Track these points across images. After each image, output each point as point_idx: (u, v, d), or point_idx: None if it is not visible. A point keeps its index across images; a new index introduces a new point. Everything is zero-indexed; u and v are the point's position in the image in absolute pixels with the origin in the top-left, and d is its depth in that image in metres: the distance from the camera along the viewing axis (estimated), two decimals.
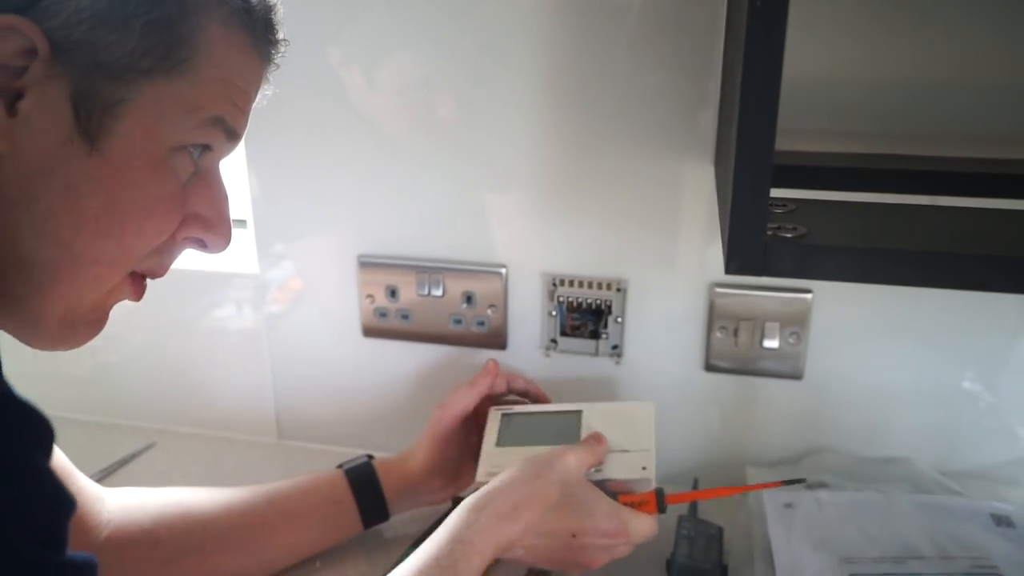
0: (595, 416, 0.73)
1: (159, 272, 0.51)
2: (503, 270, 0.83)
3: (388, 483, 0.76)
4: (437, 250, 0.84)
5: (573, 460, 0.66)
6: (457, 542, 0.59)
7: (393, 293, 0.86)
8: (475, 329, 0.85)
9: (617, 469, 0.68)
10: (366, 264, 0.86)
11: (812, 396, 0.80)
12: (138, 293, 0.51)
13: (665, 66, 0.74)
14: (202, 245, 0.52)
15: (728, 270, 0.46)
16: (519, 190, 0.81)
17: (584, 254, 0.81)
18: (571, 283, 0.82)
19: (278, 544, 0.73)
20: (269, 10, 0.50)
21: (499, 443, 0.73)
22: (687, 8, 0.72)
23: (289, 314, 0.91)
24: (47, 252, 0.45)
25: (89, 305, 0.48)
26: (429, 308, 0.86)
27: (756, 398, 0.82)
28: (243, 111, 0.50)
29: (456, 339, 0.86)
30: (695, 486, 0.80)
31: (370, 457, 0.78)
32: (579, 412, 0.74)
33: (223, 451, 0.94)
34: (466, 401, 0.76)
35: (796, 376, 0.80)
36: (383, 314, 0.87)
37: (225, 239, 0.52)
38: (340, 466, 0.77)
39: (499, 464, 0.69)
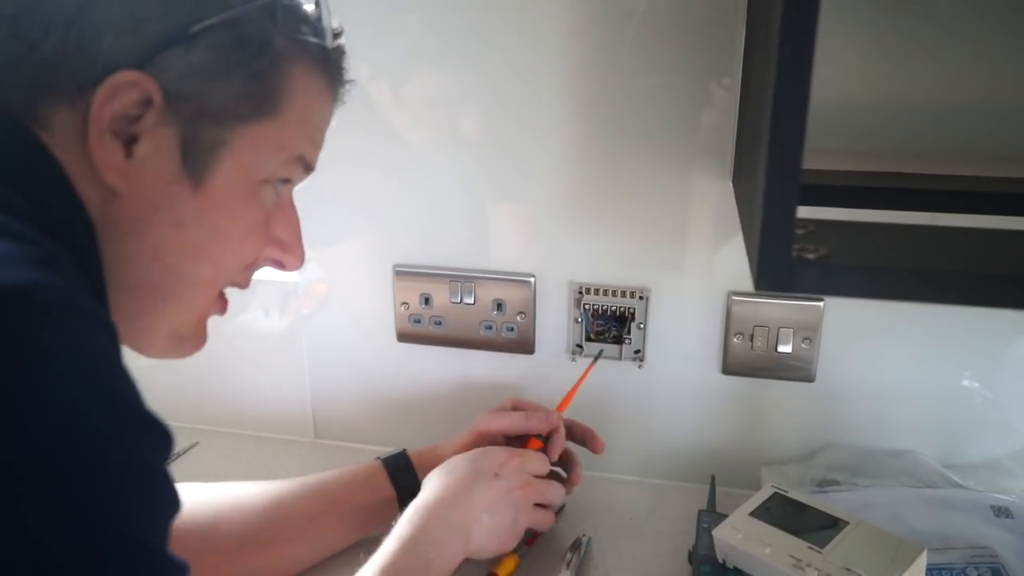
0: (859, 533, 0.71)
1: (244, 287, 0.57)
2: (532, 279, 0.88)
3: (423, 471, 0.80)
4: (469, 260, 0.89)
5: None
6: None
7: (427, 300, 0.91)
8: (505, 335, 0.90)
9: None
10: (401, 273, 0.91)
11: (823, 397, 0.85)
12: (224, 308, 0.57)
13: (686, 87, 0.79)
14: (280, 265, 0.57)
15: (758, 287, 0.50)
16: (547, 203, 0.86)
17: (608, 264, 0.86)
18: (596, 291, 0.87)
19: (326, 532, 0.77)
20: (341, 57, 0.55)
21: (753, 514, 0.74)
22: (708, 34, 0.76)
23: (326, 320, 0.95)
24: (156, 276, 0.50)
25: (193, 322, 0.54)
26: (461, 315, 0.90)
27: (770, 399, 0.87)
28: (319, 147, 0.55)
29: (486, 344, 0.91)
30: (712, 483, 0.85)
31: (405, 451, 0.83)
32: (846, 523, 0.72)
33: (262, 449, 0.99)
34: (516, 427, 0.80)
35: (808, 378, 0.85)
36: (417, 320, 0.92)
37: (301, 259, 0.57)
38: (377, 458, 0.82)
39: (741, 531, 0.72)
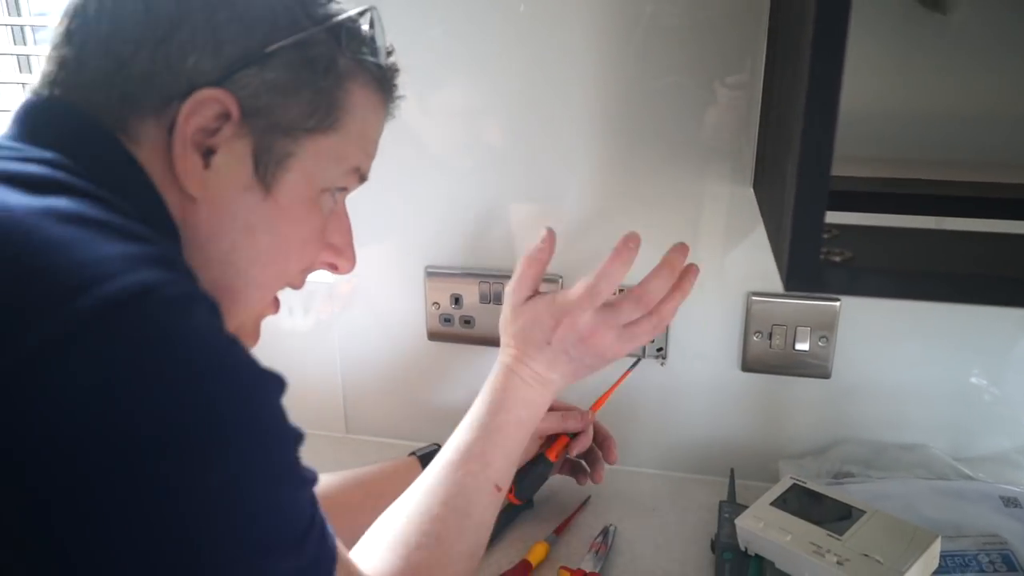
0: (875, 522, 0.74)
1: (298, 288, 0.60)
2: (559, 280, 0.92)
3: None
4: (498, 261, 0.93)
5: (507, 303, 0.77)
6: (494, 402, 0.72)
7: (457, 300, 0.95)
8: None
9: (855, 569, 0.69)
10: (432, 274, 0.95)
11: (838, 393, 0.89)
12: (277, 308, 0.61)
13: (707, 96, 0.83)
14: (334, 268, 0.61)
15: (788, 287, 0.54)
16: (573, 207, 0.90)
17: (633, 266, 0.90)
18: (621, 291, 0.90)
19: (365, 523, 0.81)
20: (395, 74, 0.59)
21: (774, 503, 0.78)
22: (729, 47, 0.80)
23: (360, 318, 0.99)
24: (227, 279, 0.53)
25: (252, 321, 0.58)
26: (490, 314, 0.94)
27: (787, 395, 0.91)
28: (372, 158, 0.59)
29: None
30: (732, 476, 0.89)
31: (438, 445, 0.86)
32: (863, 512, 0.75)
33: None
34: (553, 428, 0.83)
35: (824, 375, 0.88)
36: (447, 319, 0.96)
37: (352, 263, 0.61)
38: (412, 453, 0.85)
39: (763, 519, 0.75)
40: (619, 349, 0.74)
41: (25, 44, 1.20)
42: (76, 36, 0.50)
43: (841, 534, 0.73)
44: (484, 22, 0.85)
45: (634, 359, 0.89)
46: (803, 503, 0.78)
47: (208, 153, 0.51)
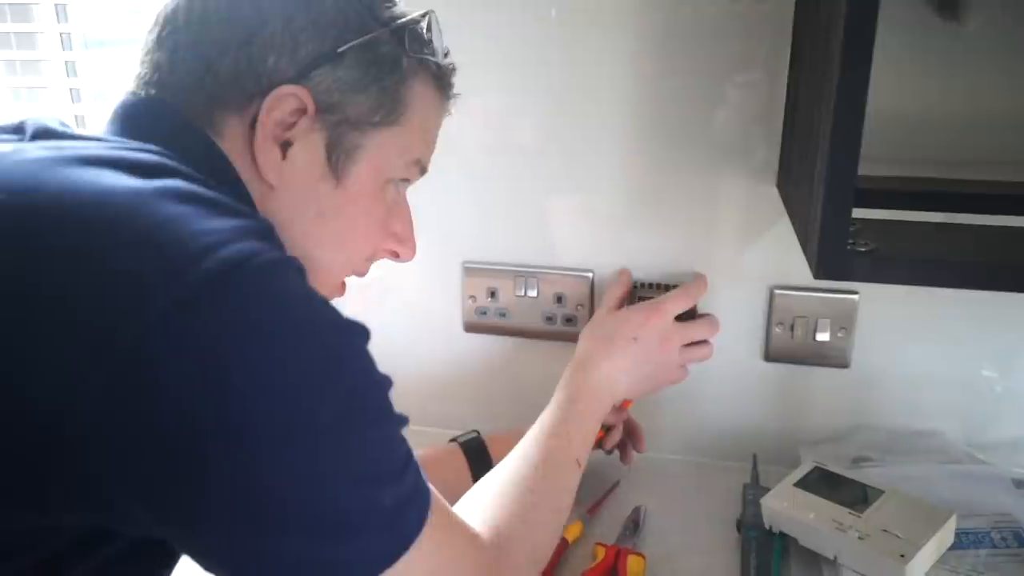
0: (893, 500, 0.78)
1: (364, 274, 0.65)
2: (590, 274, 0.97)
3: (496, 454, 0.88)
4: (533, 257, 0.98)
5: (599, 312, 0.88)
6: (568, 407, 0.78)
7: (493, 294, 0.99)
8: (565, 326, 0.98)
9: (876, 544, 0.73)
10: (470, 268, 1.00)
11: (857, 382, 0.93)
12: (343, 293, 0.65)
13: (735, 98, 0.87)
14: (396, 256, 0.66)
15: (817, 276, 0.59)
16: (605, 204, 0.94)
17: (661, 260, 0.95)
18: (649, 285, 0.95)
19: None
20: (452, 72, 0.64)
21: (797, 485, 0.82)
22: (754, 51, 0.85)
23: (399, 309, 1.04)
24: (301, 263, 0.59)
25: None
26: (525, 307, 0.99)
27: (808, 384, 0.95)
28: (431, 151, 0.64)
29: (548, 335, 0.99)
30: (754, 461, 0.93)
31: (477, 432, 0.91)
32: (881, 492, 0.79)
33: None
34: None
35: (843, 365, 0.93)
36: (483, 312, 1.00)
37: (413, 251, 0.66)
38: (453, 439, 0.90)
39: (787, 499, 0.80)
40: (678, 362, 0.86)
41: (72, 50, 1.25)
42: (168, 41, 0.56)
43: (861, 512, 0.77)
44: (519, 26, 0.90)
45: None
46: (825, 484, 0.82)
47: (285, 145, 0.56)
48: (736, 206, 0.91)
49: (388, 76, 0.58)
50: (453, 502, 0.86)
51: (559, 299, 0.98)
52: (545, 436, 0.75)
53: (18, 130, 0.53)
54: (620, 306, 0.89)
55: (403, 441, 0.51)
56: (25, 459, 0.42)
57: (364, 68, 0.57)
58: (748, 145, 0.89)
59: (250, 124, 0.55)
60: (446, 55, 0.64)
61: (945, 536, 0.75)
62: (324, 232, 0.59)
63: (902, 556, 0.71)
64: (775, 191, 0.88)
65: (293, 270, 0.46)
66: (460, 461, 0.88)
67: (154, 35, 0.56)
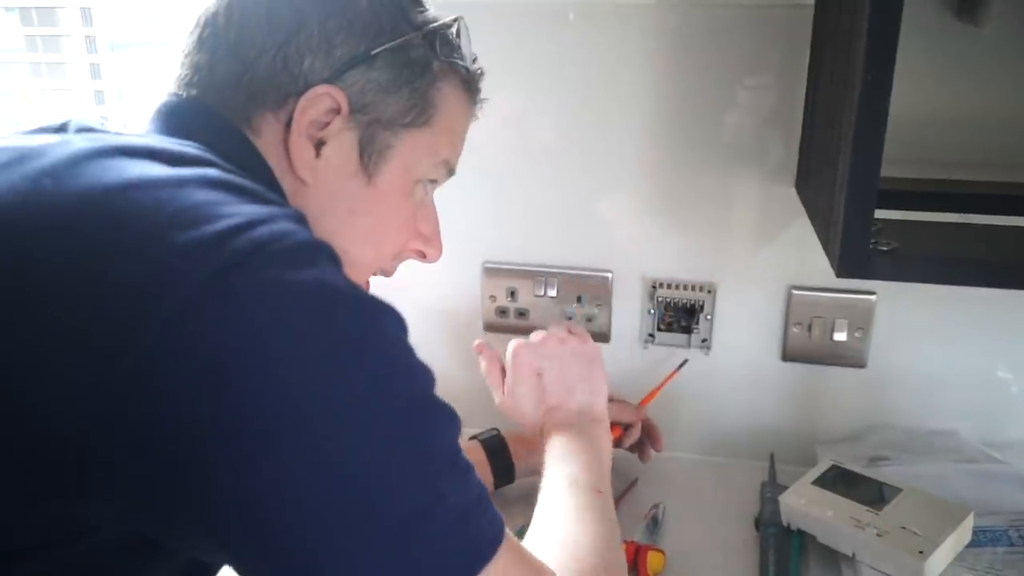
0: (911, 498, 0.79)
1: (390, 274, 0.67)
2: (609, 274, 0.98)
3: (516, 451, 0.90)
4: (552, 258, 0.99)
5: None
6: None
7: (512, 294, 1.01)
8: (583, 325, 1.00)
9: (894, 540, 0.74)
10: (490, 269, 1.01)
11: (874, 382, 0.94)
12: (367, 289, 0.67)
13: (751, 101, 0.89)
14: (422, 256, 0.67)
15: (839, 275, 0.60)
16: (624, 206, 0.96)
17: (679, 261, 0.96)
18: (667, 286, 0.96)
19: None
20: (480, 77, 0.65)
21: (815, 483, 0.83)
22: (773, 55, 0.87)
23: (421, 308, 1.05)
24: None
25: None
26: (544, 307, 1.00)
27: (826, 384, 0.96)
28: (459, 154, 0.66)
29: None
30: (772, 461, 0.94)
31: (497, 430, 0.92)
32: (899, 490, 0.80)
33: None
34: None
35: (860, 365, 0.94)
36: (503, 312, 1.02)
37: (439, 251, 0.68)
38: (473, 437, 0.91)
39: (805, 496, 0.81)
40: (581, 352, 0.84)
41: (97, 53, 1.27)
42: (208, 43, 0.57)
43: (879, 509, 0.78)
44: (537, 30, 0.92)
45: (681, 361, 0.96)
46: (842, 482, 0.83)
47: (319, 144, 0.57)
48: (753, 207, 0.92)
49: (419, 79, 0.59)
50: None
51: (578, 299, 0.99)
52: (565, 487, 0.70)
53: (61, 129, 0.54)
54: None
55: (455, 436, 0.49)
56: (35, 457, 0.42)
57: (396, 70, 0.58)
58: (765, 146, 0.90)
59: (286, 123, 0.56)
60: (474, 60, 0.65)
61: (963, 534, 0.76)
62: (354, 228, 0.60)
63: (920, 552, 0.72)
64: (792, 192, 0.89)
65: (325, 254, 0.47)
66: (480, 457, 0.89)
67: (194, 36, 0.58)
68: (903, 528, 0.75)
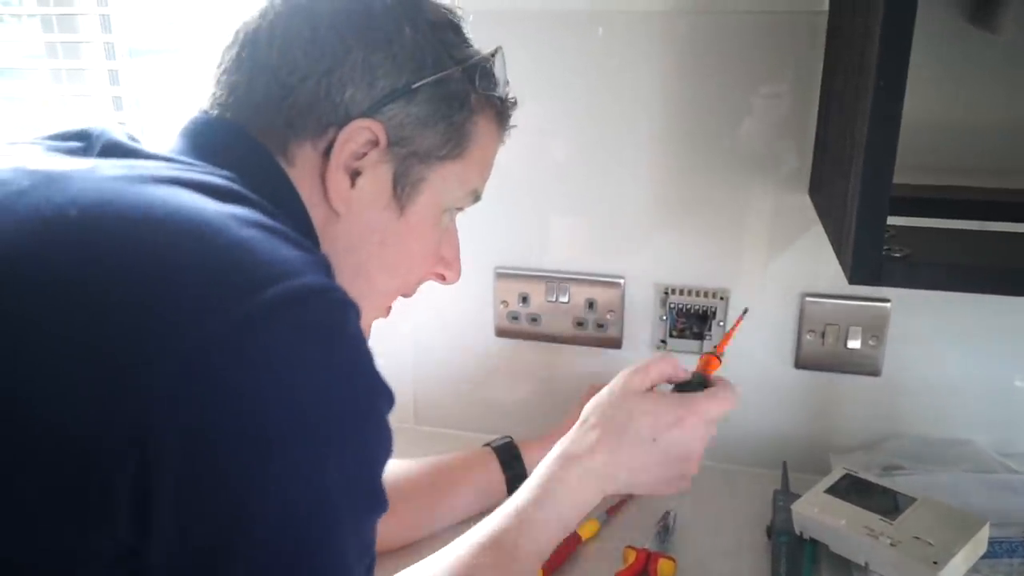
0: (925, 508, 0.78)
1: (409, 296, 0.67)
2: (621, 280, 0.98)
3: (529, 459, 0.89)
4: (565, 263, 0.99)
5: (620, 385, 0.73)
6: (545, 495, 0.69)
7: (524, 299, 1.01)
8: (595, 331, 1.00)
9: (908, 550, 0.73)
10: (502, 275, 1.01)
11: (888, 390, 0.93)
12: (388, 314, 0.67)
13: (764, 108, 0.88)
14: (442, 278, 0.68)
15: (852, 281, 0.60)
16: (637, 213, 0.96)
17: (691, 267, 0.96)
18: (680, 292, 0.96)
19: (442, 506, 0.87)
20: (513, 107, 0.65)
21: (828, 491, 0.82)
22: (786, 62, 0.86)
23: (432, 314, 1.05)
24: (357, 287, 0.59)
25: (368, 324, 0.65)
26: (556, 312, 1.00)
27: (839, 392, 0.95)
28: (487, 179, 0.66)
29: (578, 340, 1.01)
30: (784, 469, 0.93)
31: (510, 438, 0.92)
32: (913, 499, 0.79)
33: None
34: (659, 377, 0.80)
35: (875, 373, 0.93)
36: (515, 317, 1.02)
37: (459, 274, 0.69)
38: (486, 444, 0.91)
39: (818, 505, 0.80)
40: (694, 471, 0.73)
41: (115, 59, 1.28)
42: (246, 63, 0.56)
43: (893, 519, 0.77)
44: (550, 38, 0.92)
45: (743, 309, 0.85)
46: (855, 491, 0.82)
47: (354, 175, 0.57)
48: (766, 213, 0.92)
49: (457, 113, 0.59)
50: (487, 505, 0.87)
51: (590, 305, 0.99)
52: (488, 546, 0.66)
53: (82, 137, 0.53)
54: (649, 389, 0.74)
55: (375, 532, 0.49)
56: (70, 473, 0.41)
57: (435, 104, 0.58)
58: (778, 153, 0.90)
59: (322, 152, 0.56)
60: (507, 84, 0.65)
61: (978, 544, 0.75)
62: (383, 258, 0.60)
63: (935, 563, 0.71)
64: (805, 199, 0.88)
65: (355, 313, 0.47)
66: (494, 465, 0.89)
67: (232, 54, 0.57)
68: (917, 538, 0.75)
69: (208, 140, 0.56)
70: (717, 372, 0.79)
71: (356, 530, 0.47)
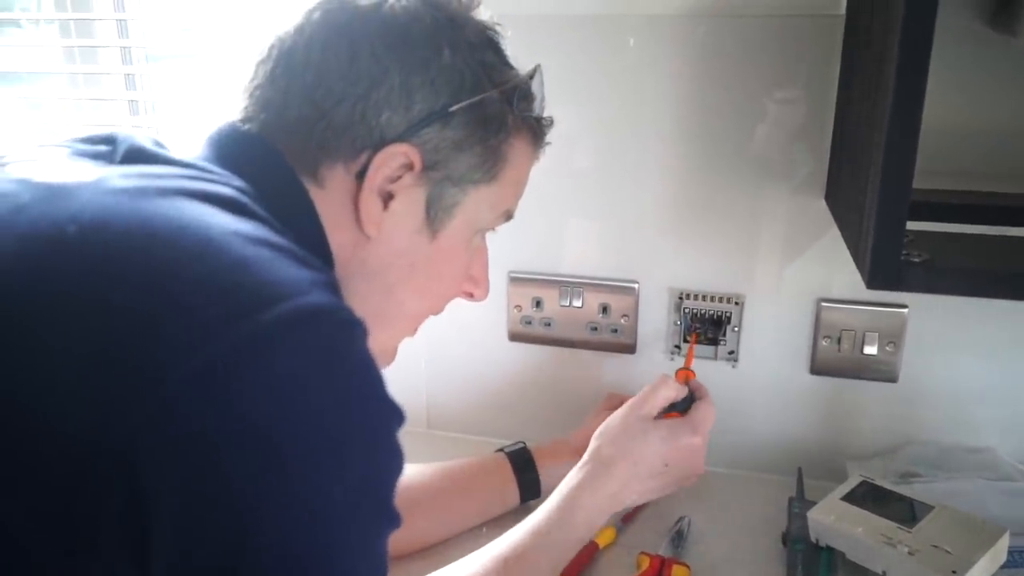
0: (944, 516, 0.77)
1: (439, 314, 0.67)
2: (636, 285, 0.98)
3: (542, 465, 0.89)
4: (579, 268, 0.99)
5: (634, 416, 0.80)
6: (563, 517, 0.74)
7: (538, 304, 1.01)
8: (609, 336, 0.99)
9: (926, 559, 0.72)
10: (516, 279, 1.01)
11: (906, 397, 0.92)
12: (415, 332, 0.67)
13: (779, 115, 0.88)
14: (471, 296, 0.68)
15: (869, 286, 0.59)
16: (651, 217, 0.95)
17: (706, 272, 0.95)
18: (694, 297, 0.96)
19: (455, 510, 0.86)
20: (550, 126, 0.64)
21: (844, 498, 0.81)
22: (802, 69, 0.86)
23: (444, 318, 1.04)
24: (387, 308, 0.60)
25: (395, 343, 0.65)
26: (569, 317, 1.00)
27: (855, 398, 0.94)
28: (519, 199, 0.65)
29: (592, 344, 1.00)
30: (800, 475, 0.92)
31: (523, 443, 0.91)
32: (931, 507, 0.78)
33: None
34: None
35: (892, 379, 0.92)
36: (528, 322, 1.02)
37: (487, 292, 0.68)
38: (500, 450, 0.91)
39: (834, 512, 0.79)
40: (700, 471, 0.84)
41: (132, 64, 1.29)
42: (281, 80, 0.55)
43: (911, 527, 0.76)
44: (566, 43, 0.92)
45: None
46: (872, 499, 0.81)
47: (387, 198, 0.56)
48: (782, 219, 0.91)
49: (494, 136, 0.58)
50: (500, 510, 0.87)
51: (604, 309, 0.99)
52: (512, 560, 0.70)
53: (108, 141, 0.53)
54: (656, 415, 0.81)
55: (387, 549, 0.48)
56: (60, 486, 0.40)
57: (472, 128, 0.57)
58: (794, 159, 0.89)
59: (355, 175, 0.55)
60: (542, 102, 0.64)
61: (998, 554, 0.74)
62: (413, 281, 0.60)
63: (954, 572, 0.70)
64: (821, 204, 0.88)
65: (360, 331, 0.46)
66: (507, 470, 0.88)
67: (267, 69, 0.56)
68: (935, 547, 0.74)
69: (230, 151, 0.55)
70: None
71: (366, 549, 0.46)
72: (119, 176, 0.48)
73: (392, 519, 0.48)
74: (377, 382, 0.46)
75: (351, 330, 0.45)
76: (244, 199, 0.50)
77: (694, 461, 0.81)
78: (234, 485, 0.40)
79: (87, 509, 0.40)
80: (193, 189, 0.48)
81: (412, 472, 0.86)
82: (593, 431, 0.82)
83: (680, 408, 0.83)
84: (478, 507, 0.87)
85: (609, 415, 0.83)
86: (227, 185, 0.50)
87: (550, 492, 0.79)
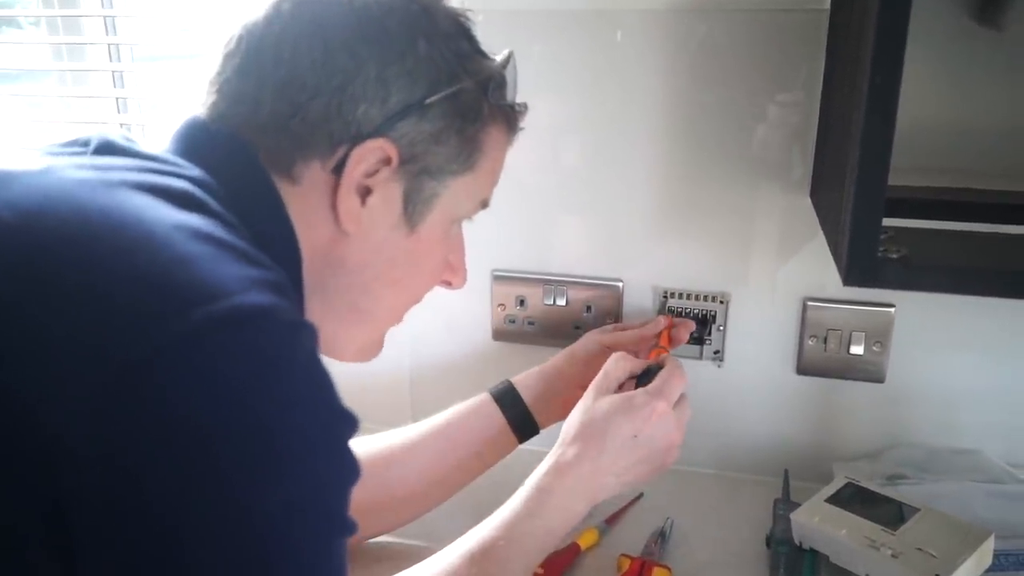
0: (929, 519, 0.76)
1: (418, 303, 0.66)
2: (620, 283, 0.96)
3: (526, 387, 0.84)
4: (562, 266, 0.98)
5: (591, 395, 0.73)
6: (531, 507, 0.67)
7: (522, 302, 1.00)
8: None
9: (910, 562, 0.71)
10: (499, 277, 1.00)
11: (892, 397, 0.91)
12: (399, 323, 0.66)
13: (765, 113, 0.87)
14: (448, 284, 0.67)
15: (846, 282, 0.58)
16: (635, 215, 0.94)
17: (691, 270, 0.94)
18: (679, 295, 0.95)
19: (440, 468, 0.82)
20: (524, 113, 0.64)
21: (829, 500, 0.80)
22: (788, 67, 0.85)
23: (429, 316, 1.04)
24: (366, 304, 0.59)
25: (380, 335, 0.64)
26: (553, 316, 0.99)
27: (842, 399, 0.93)
28: (495, 187, 0.64)
29: None
30: (786, 477, 0.91)
31: (509, 381, 0.86)
32: (917, 510, 0.77)
33: (363, 434, 1.07)
34: (627, 345, 0.84)
35: (879, 380, 0.91)
36: (512, 320, 1.01)
37: (464, 279, 0.68)
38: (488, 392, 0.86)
39: (818, 514, 0.78)
40: (678, 442, 0.74)
41: (120, 61, 1.28)
42: (252, 77, 0.54)
43: (895, 530, 0.75)
44: (553, 39, 0.91)
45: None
46: (857, 500, 0.80)
47: (365, 193, 0.55)
48: (768, 218, 0.90)
49: (470, 126, 0.57)
50: (492, 453, 0.83)
51: (588, 308, 0.98)
52: (478, 555, 0.65)
53: (84, 144, 0.52)
54: (619, 389, 0.75)
55: (343, 554, 0.47)
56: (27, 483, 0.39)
57: (448, 119, 0.56)
58: (780, 158, 0.88)
59: (331, 170, 0.54)
60: (516, 91, 0.63)
61: (983, 557, 0.73)
62: (392, 276, 0.59)
63: (937, 575, 0.69)
64: (807, 204, 0.87)
65: (305, 333, 0.44)
66: (490, 407, 0.84)
67: (235, 63, 0.54)
68: (920, 550, 0.72)
69: (192, 145, 0.53)
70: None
71: (313, 558, 0.44)
72: (70, 167, 0.47)
73: (344, 527, 0.46)
74: (323, 387, 0.44)
75: (293, 332, 0.43)
76: (198, 192, 0.48)
77: (665, 429, 0.71)
78: (155, 499, 0.39)
79: (9, 510, 0.39)
80: (140, 181, 0.47)
81: (395, 438, 0.83)
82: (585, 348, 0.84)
83: (644, 382, 0.75)
84: (470, 452, 0.82)
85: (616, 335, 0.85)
86: (181, 177, 0.49)
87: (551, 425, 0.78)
